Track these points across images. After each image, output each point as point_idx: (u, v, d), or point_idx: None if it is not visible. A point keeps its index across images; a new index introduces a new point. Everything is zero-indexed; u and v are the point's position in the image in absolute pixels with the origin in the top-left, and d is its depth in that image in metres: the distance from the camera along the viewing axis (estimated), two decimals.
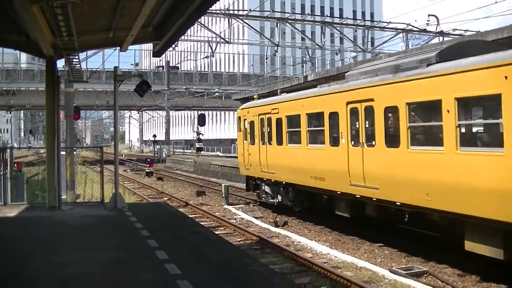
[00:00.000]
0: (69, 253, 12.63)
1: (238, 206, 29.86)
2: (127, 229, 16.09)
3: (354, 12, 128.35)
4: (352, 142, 18.87)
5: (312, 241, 19.65)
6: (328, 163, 20.35)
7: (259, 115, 27.44)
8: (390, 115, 17.14)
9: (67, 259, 11.97)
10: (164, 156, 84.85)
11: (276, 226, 22.89)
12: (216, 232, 20.28)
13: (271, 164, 25.93)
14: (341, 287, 13.94)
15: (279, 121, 25.01)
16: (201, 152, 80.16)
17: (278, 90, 29.76)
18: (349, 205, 20.04)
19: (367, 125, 18.30)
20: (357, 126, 18.75)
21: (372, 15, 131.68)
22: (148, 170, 55.67)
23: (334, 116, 20.04)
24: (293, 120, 23.82)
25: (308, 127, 22.39)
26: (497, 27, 22.14)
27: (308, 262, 16.09)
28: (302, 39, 62.64)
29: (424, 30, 52.95)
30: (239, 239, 20.62)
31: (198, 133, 76.58)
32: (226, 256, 13.02)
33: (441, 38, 49.01)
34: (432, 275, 14.86)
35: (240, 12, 59.49)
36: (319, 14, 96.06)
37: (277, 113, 25.12)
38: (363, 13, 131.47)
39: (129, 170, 63.59)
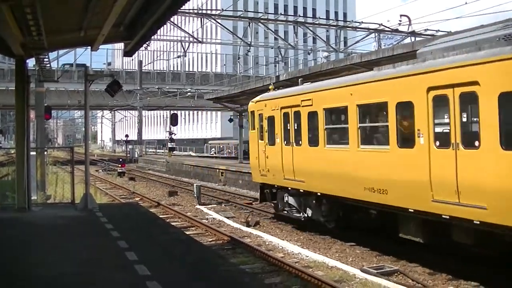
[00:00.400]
0: (36, 255, 12.52)
1: (210, 206, 29.83)
2: (97, 230, 16.00)
3: (327, 12, 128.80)
4: (437, 143, 13.91)
5: (283, 241, 19.67)
6: (394, 171, 15.39)
7: (281, 108, 22.06)
8: (510, 104, 12.25)
9: (34, 261, 11.87)
10: (136, 156, 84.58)
11: (248, 226, 22.89)
12: (188, 232, 20.25)
13: (299, 170, 20.77)
14: (312, 287, 13.98)
15: (313, 115, 19.87)
16: (174, 152, 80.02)
17: (299, 80, 23.70)
18: (426, 228, 15.34)
19: (464, 119, 13.39)
20: (446, 119, 13.83)
21: (345, 15, 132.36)
22: (120, 170, 55.49)
23: (405, 107, 15.18)
24: (336, 114, 19.51)
25: (360, 123, 17.14)
26: (468, 28, 22.35)
27: (279, 262, 16.07)
28: (275, 39, 62.77)
29: (396, 30, 53.30)
30: (211, 239, 20.56)
31: (171, 133, 76.46)
32: (197, 257, 13.01)
33: (413, 38, 49.35)
34: (402, 274, 14.92)
35: (213, 12, 59.38)
36: (292, 14, 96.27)
37: (310, 105, 19.92)
38: (336, 13, 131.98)
39: (101, 170, 63.27)
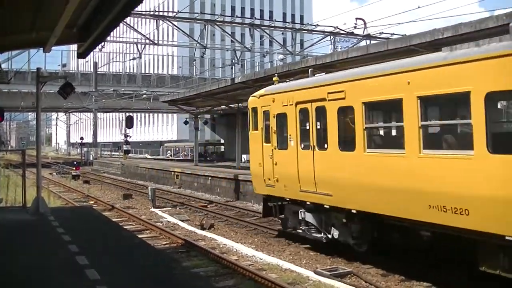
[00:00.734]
0: None
1: (164, 209, 29.67)
2: (48, 234, 15.77)
3: (284, 14, 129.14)
4: None
5: (238, 244, 19.65)
6: (482, 185, 11.55)
7: (297, 104, 17.82)
8: None
9: None
10: (91, 158, 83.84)
11: (202, 228, 22.79)
12: (142, 236, 20.14)
13: (324, 181, 16.53)
14: None
15: (346, 111, 15.76)
16: (129, 155, 79.51)
17: (309, 70, 19.51)
18: None
19: None
20: None
21: (302, 17, 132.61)
22: (75, 173, 54.92)
23: (501, 98, 12.19)
24: (383, 109, 16.02)
25: (422, 121, 13.09)
26: (421, 31, 22.74)
27: (233, 265, 16.04)
28: (232, 41, 62.83)
29: (352, 33, 53.58)
30: (165, 243, 20.41)
31: (126, 136, 75.97)
32: (150, 260, 12.91)
33: (368, 41, 49.74)
34: (356, 276, 15.04)
35: (170, 14, 59.06)
36: (249, 17, 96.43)
37: (342, 98, 15.62)
38: (293, 16, 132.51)
39: (55, 173, 62.49)
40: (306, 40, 68.84)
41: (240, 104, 47.98)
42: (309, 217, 17.90)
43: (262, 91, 20.39)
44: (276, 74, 20.82)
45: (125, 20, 23.54)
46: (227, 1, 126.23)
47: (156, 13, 47.88)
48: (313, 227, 17.87)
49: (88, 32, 17.85)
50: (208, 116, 73.77)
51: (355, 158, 15.09)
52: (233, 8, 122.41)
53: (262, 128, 19.96)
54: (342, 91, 15.61)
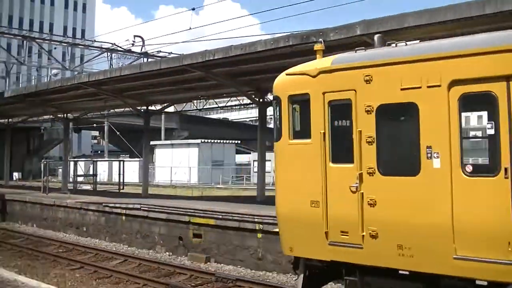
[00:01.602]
0: None
1: None
2: None
3: (65, 27, 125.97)
4: None
5: None
6: None
7: (452, 84, 9.02)
8: None
9: None
10: None
11: None
12: None
13: None
14: None
15: None
16: None
17: (375, 36, 11.53)
18: None
19: None
20: None
21: (83, 32, 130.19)
22: None
23: None
24: None
25: None
26: (194, 52, 23.33)
27: None
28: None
29: (129, 51, 53.50)
30: None
31: None
32: None
33: (145, 59, 49.87)
34: None
35: None
36: (27, 29, 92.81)
37: None
38: (74, 29, 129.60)
39: None
40: (87, 55, 67.87)
41: (10, 119, 46.02)
42: None
43: (323, 63, 10.95)
44: (322, 41, 12.62)
45: None
46: (4, 10, 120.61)
47: None
48: None
49: None
50: None
51: None
52: (10, 18, 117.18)
53: (324, 133, 10.65)
54: None
